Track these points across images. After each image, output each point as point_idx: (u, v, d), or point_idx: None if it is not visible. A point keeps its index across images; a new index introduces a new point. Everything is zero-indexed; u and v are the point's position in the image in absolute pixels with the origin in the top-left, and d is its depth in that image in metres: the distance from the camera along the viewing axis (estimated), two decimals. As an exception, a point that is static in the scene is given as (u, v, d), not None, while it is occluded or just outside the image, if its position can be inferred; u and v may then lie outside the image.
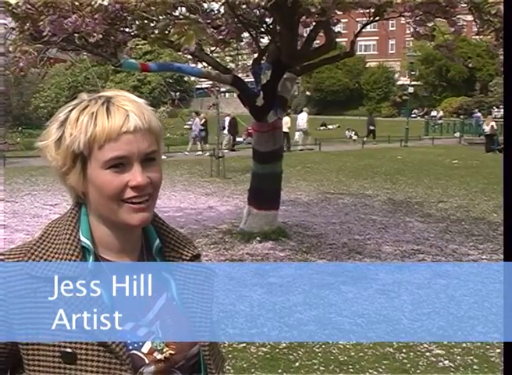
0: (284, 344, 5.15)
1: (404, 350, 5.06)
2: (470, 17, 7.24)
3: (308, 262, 7.66)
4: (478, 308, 6.14)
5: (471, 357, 4.94)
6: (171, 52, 31.26)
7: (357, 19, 8.69)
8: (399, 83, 61.91)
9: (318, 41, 9.41)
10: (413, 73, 42.24)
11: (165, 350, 1.33)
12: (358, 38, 8.65)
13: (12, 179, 15.87)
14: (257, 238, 8.50)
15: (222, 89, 31.71)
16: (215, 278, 1.49)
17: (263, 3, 6.48)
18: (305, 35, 8.78)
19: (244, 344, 5.12)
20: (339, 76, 60.97)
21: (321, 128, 44.77)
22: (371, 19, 7.79)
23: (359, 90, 63.19)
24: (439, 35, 7.68)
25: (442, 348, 5.12)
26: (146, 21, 6.72)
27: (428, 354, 5.00)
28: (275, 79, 8.40)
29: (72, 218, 1.36)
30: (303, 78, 56.74)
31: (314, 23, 8.08)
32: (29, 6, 6.47)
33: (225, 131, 27.27)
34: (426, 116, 52.46)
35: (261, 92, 8.50)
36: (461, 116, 43.85)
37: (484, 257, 8.07)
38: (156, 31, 6.68)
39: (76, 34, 6.55)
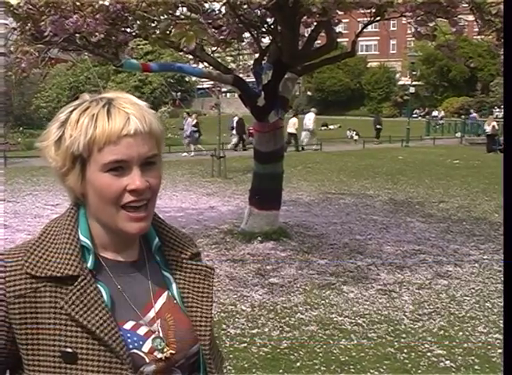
0: (285, 345, 5.15)
1: (405, 350, 5.06)
2: (471, 17, 7.23)
3: (309, 263, 7.66)
4: (480, 309, 6.15)
5: (473, 357, 4.94)
6: (172, 52, 31.31)
7: (358, 19, 8.68)
8: (400, 83, 61.93)
9: (319, 41, 9.39)
10: (414, 73, 42.25)
11: (165, 349, 1.33)
12: (359, 38, 8.65)
13: (13, 179, 15.89)
14: (259, 238, 8.51)
15: (224, 89, 31.72)
16: (214, 276, 1.49)
17: (264, 3, 6.48)
18: (306, 35, 8.77)
19: (245, 345, 5.13)
20: (340, 77, 61.01)
21: (323, 128, 44.75)
22: (373, 19, 7.79)
23: (360, 90, 63.23)
24: (440, 35, 7.67)
25: (443, 348, 5.12)
26: (147, 21, 6.72)
27: (429, 354, 5.00)
28: (277, 79, 8.40)
29: (71, 217, 1.36)
30: (304, 78, 56.70)
31: (315, 23, 8.08)
32: (30, 7, 6.48)
33: (234, 131, 27.36)
34: (427, 116, 52.49)
35: (262, 92, 8.50)
36: (462, 116, 43.79)
37: (485, 257, 8.07)
38: (157, 31, 6.68)
39: (77, 34, 6.55)
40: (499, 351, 4.94)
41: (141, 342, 1.31)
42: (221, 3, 7.38)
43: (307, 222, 10.15)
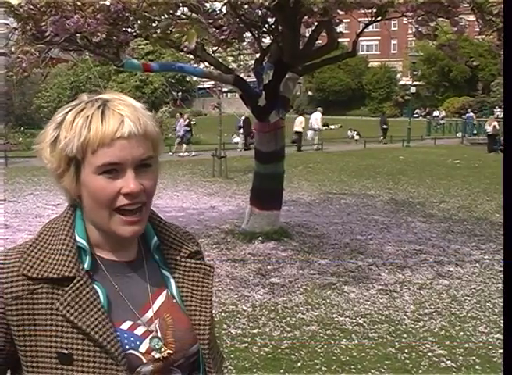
0: (286, 344, 5.15)
1: (406, 350, 5.05)
2: (472, 17, 7.23)
3: (310, 262, 7.66)
4: (481, 309, 6.15)
5: (474, 357, 4.93)
6: (173, 52, 31.31)
7: (359, 19, 8.67)
8: (401, 83, 61.89)
9: (320, 41, 9.39)
10: (415, 72, 42.23)
11: (163, 349, 1.32)
12: (360, 38, 8.64)
13: (14, 179, 15.91)
14: (259, 238, 8.51)
15: (224, 89, 31.71)
16: (214, 275, 1.48)
17: (266, 3, 6.48)
18: (307, 35, 8.77)
19: (246, 344, 5.12)
20: (341, 76, 60.97)
21: (324, 128, 44.72)
22: (373, 19, 7.79)
23: (361, 90, 63.20)
24: (441, 35, 7.67)
25: (444, 348, 5.11)
26: (148, 21, 6.71)
27: (430, 354, 4.99)
28: (277, 79, 8.40)
29: (68, 218, 1.36)
30: (305, 78, 56.72)
31: (316, 23, 8.08)
32: (31, 7, 6.48)
33: (241, 131, 27.42)
34: (428, 116, 52.48)
35: (263, 92, 8.50)
36: (463, 116, 43.78)
37: (486, 257, 8.06)
38: (158, 31, 6.67)
39: (78, 34, 6.55)
40: (500, 351, 4.94)
41: (138, 342, 1.31)
42: (222, 3, 7.38)
43: (308, 222, 10.15)
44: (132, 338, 1.31)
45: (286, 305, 6.16)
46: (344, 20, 8.73)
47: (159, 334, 1.34)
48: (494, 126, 27.94)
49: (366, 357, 4.92)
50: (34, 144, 1.36)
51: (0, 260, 1.30)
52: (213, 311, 1.46)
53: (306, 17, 7.63)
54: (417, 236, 9.27)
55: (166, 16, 6.58)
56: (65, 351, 1.25)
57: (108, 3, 6.43)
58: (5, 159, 20.62)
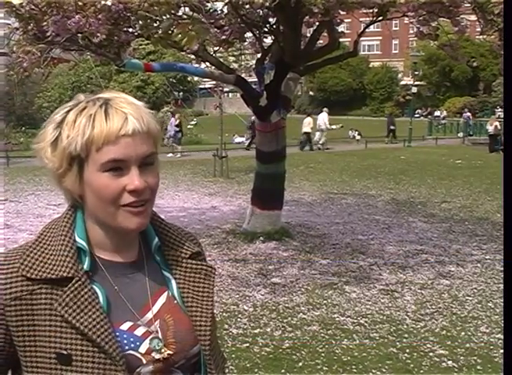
0: (287, 344, 5.15)
1: (408, 350, 5.05)
2: (473, 17, 7.23)
3: (311, 262, 7.66)
4: (482, 309, 6.14)
5: (475, 357, 4.93)
6: (174, 52, 31.36)
7: (361, 19, 8.67)
8: (402, 83, 61.87)
9: (321, 41, 9.39)
10: (416, 72, 42.23)
11: (163, 350, 1.32)
12: (361, 38, 8.65)
13: (15, 179, 15.93)
14: (261, 238, 8.50)
15: (226, 89, 31.72)
16: (215, 275, 1.48)
17: (267, 3, 6.48)
18: (308, 35, 8.78)
19: (247, 344, 5.13)
20: (342, 76, 60.97)
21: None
22: (375, 18, 7.79)
23: (362, 90, 63.20)
24: (443, 35, 7.67)
25: (445, 348, 5.11)
26: (149, 21, 6.71)
27: (431, 354, 4.99)
28: (279, 79, 8.40)
29: (68, 219, 1.36)
30: (306, 78, 56.74)
31: (317, 23, 8.08)
32: (32, 7, 6.48)
33: (251, 131, 27.49)
34: (429, 116, 52.48)
35: (265, 92, 8.50)
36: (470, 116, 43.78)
37: (487, 257, 8.06)
38: (159, 31, 6.68)
39: (79, 34, 6.55)
40: (502, 351, 4.94)
41: (138, 343, 1.31)
42: (223, 3, 7.38)
43: (309, 222, 10.15)
44: (132, 339, 1.30)
45: (287, 305, 6.16)
46: (345, 20, 8.75)
47: (160, 335, 1.34)
48: (495, 126, 27.92)
49: (367, 357, 4.92)
50: (34, 144, 1.35)
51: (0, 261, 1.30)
52: (214, 311, 1.46)
53: (307, 17, 7.63)
54: (419, 236, 9.27)
55: (167, 16, 6.58)
56: (64, 352, 1.25)
57: (109, 3, 6.43)
58: (7, 159, 20.65)
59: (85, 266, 1.32)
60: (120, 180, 1.28)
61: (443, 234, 9.43)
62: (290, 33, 7.76)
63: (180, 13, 6.88)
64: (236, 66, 12.82)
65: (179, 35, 5.87)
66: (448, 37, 7.75)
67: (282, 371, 4.65)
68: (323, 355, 4.96)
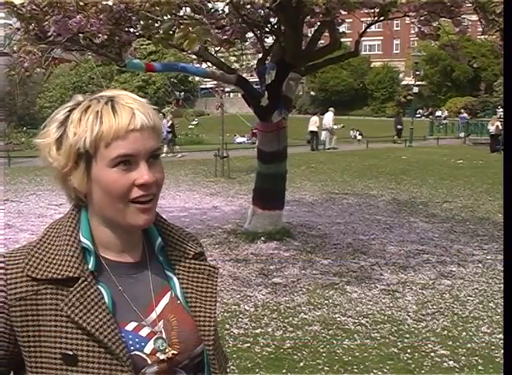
0: (288, 344, 5.15)
1: (409, 350, 5.05)
2: (475, 17, 7.23)
3: (313, 262, 7.66)
4: (483, 309, 6.14)
5: (476, 357, 4.93)
6: (175, 52, 31.37)
7: (362, 19, 8.66)
8: (403, 83, 61.86)
9: (322, 41, 9.39)
10: (417, 72, 42.13)
11: (167, 350, 1.32)
12: (363, 38, 8.64)
13: (17, 179, 15.95)
14: (262, 238, 8.50)
15: (227, 89, 31.76)
16: (218, 276, 1.48)
17: (267, 3, 6.48)
18: (310, 35, 8.77)
19: (249, 344, 5.13)
20: (343, 76, 61.00)
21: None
22: (376, 19, 7.78)
23: (364, 90, 63.23)
24: (444, 35, 7.66)
25: (446, 348, 5.11)
26: (150, 21, 6.71)
27: (432, 354, 4.99)
28: (280, 79, 8.40)
29: (73, 219, 1.36)
30: (307, 78, 56.74)
31: (318, 23, 8.07)
32: (34, 7, 6.48)
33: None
34: (431, 116, 52.46)
35: (266, 92, 8.50)
36: (465, 116, 43.74)
37: (489, 257, 8.06)
38: (161, 31, 6.68)
39: (80, 34, 6.56)
40: (503, 351, 4.93)
41: (143, 343, 1.31)
42: (224, 3, 7.38)
43: (310, 222, 10.15)
44: (137, 339, 1.30)
45: (288, 305, 6.16)
46: (347, 20, 8.76)
47: (164, 335, 1.34)
48: (497, 126, 27.90)
49: (368, 357, 4.92)
50: (35, 144, 1.35)
51: (4, 261, 1.30)
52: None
53: (308, 17, 7.62)
54: (420, 236, 9.27)
55: (169, 16, 6.58)
56: (70, 352, 1.25)
57: (110, 3, 6.44)
58: (8, 159, 20.66)
59: (90, 266, 1.32)
60: (129, 175, 1.28)
61: (444, 234, 9.42)
62: (291, 33, 7.76)
63: (181, 14, 6.87)
64: (237, 66, 12.83)
65: (182, 38, 5.86)
66: (449, 37, 7.74)
67: (284, 371, 4.65)
68: (324, 355, 4.95)
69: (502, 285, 6.75)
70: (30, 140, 28.25)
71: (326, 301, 6.27)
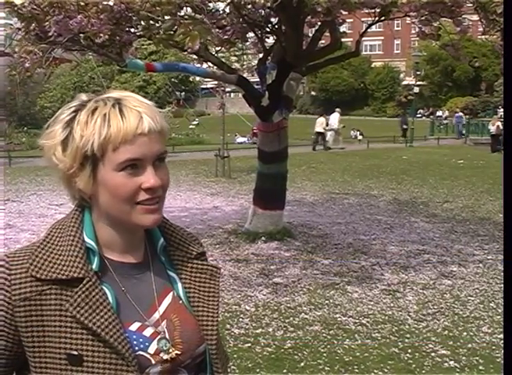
0: (289, 344, 5.15)
1: (409, 350, 5.05)
2: (475, 17, 7.23)
3: (313, 262, 7.65)
4: (484, 309, 6.14)
5: (477, 357, 4.93)
6: (176, 52, 31.35)
7: (363, 19, 8.66)
8: (404, 83, 61.82)
9: (323, 41, 9.40)
10: (418, 72, 42.17)
11: (170, 350, 1.32)
12: (363, 38, 8.64)
13: (17, 179, 15.95)
14: (263, 238, 8.50)
15: (228, 89, 31.75)
16: (220, 276, 1.49)
17: (268, 3, 6.48)
18: (310, 35, 8.77)
19: (249, 344, 5.13)
20: (344, 76, 60.97)
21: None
22: (377, 19, 7.78)
23: (364, 90, 63.19)
24: (445, 35, 7.66)
25: (447, 348, 5.11)
26: (151, 21, 6.72)
27: (433, 354, 4.99)
28: (281, 79, 8.40)
29: (76, 219, 1.36)
30: (308, 78, 56.75)
31: (319, 23, 8.07)
32: (34, 7, 6.48)
33: None
34: (431, 116, 52.42)
35: (266, 92, 8.50)
36: (467, 116, 43.71)
37: (489, 257, 8.06)
38: (161, 31, 6.68)
39: (81, 34, 6.56)
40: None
41: (147, 343, 1.31)
42: (225, 3, 7.38)
43: (311, 222, 10.15)
44: (141, 339, 1.31)
45: (289, 305, 6.15)
46: (347, 20, 8.76)
47: (167, 335, 1.34)
48: (497, 126, 27.89)
49: (369, 357, 4.92)
50: (40, 145, 1.35)
51: (8, 261, 1.30)
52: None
53: (309, 17, 7.63)
54: (421, 236, 9.27)
55: (169, 16, 6.58)
56: (75, 353, 1.25)
57: (111, 3, 6.44)
58: (9, 159, 20.67)
59: (94, 266, 1.32)
60: (136, 179, 1.29)
61: (445, 234, 9.42)
62: (292, 33, 7.76)
63: (182, 13, 6.87)
64: (238, 65, 12.84)
65: (181, 35, 5.86)
66: (450, 37, 7.73)
67: (284, 371, 4.65)
68: (325, 355, 4.95)
69: (502, 285, 6.75)
70: (30, 140, 28.26)
71: (327, 301, 6.27)
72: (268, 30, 8.30)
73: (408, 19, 7.58)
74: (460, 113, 41.71)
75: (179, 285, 1.43)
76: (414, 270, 7.43)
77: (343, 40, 8.61)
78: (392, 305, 6.22)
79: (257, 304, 6.18)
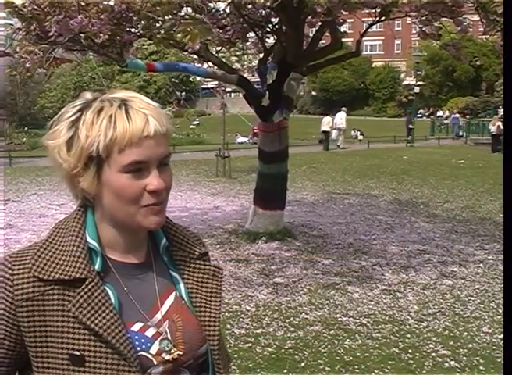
0: (290, 344, 5.15)
1: (410, 350, 5.05)
2: (476, 17, 7.22)
3: (314, 262, 7.65)
4: (484, 309, 6.14)
5: (477, 358, 4.93)
6: (177, 52, 31.36)
7: (363, 19, 8.66)
8: (404, 83, 61.82)
9: (323, 41, 9.39)
10: (419, 72, 42.13)
11: (172, 351, 1.32)
12: (364, 38, 8.63)
13: (18, 179, 15.94)
14: (263, 238, 8.50)
15: (228, 89, 31.77)
16: (223, 276, 1.49)
17: (268, 3, 6.48)
18: (311, 35, 8.77)
19: (250, 344, 5.13)
20: (344, 76, 60.97)
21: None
22: (377, 19, 7.78)
23: (365, 90, 63.20)
24: (445, 35, 7.66)
25: (448, 348, 5.11)
26: (152, 21, 6.72)
27: (433, 354, 4.99)
28: (281, 79, 8.40)
29: (79, 219, 1.35)
30: (308, 78, 56.76)
31: (319, 23, 8.06)
32: (35, 7, 6.49)
33: None
34: (432, 116, 52.41)
35: (267, 92, 8.50)
36: (467, 116, 43.71)
37: (490, 257, 8.06)
38: (162, 31, 6.68)
39: (82, 34, 6.56)
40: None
41: (149, 344, 1.31)
42: (225, 3, 7.39)
43: (311, 222, 10.14)
44: (143, 340, 1.31)
45: (289, 305, 6.15)
46: (348, 20, 8.74)
47: (169, 336, 1.34)
48: (498, 126, 27.88)
49: (370, 357, 4.92)
50: (43, 144, 1.35)
51: (10, 261, 1.30)
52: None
53: (309, 17, 7.62)
54: (421, 236, 9.27)
55: (170, 16, 6.58)
56: (77, 353, 1.25)
57: (111, 3, 6.45)
58: (9, 159, 20.67)
59: (97, 267, 1.32)
60: (141, 181, 1.29)
61: (446, 234, 9.42)
62: (293, 34, 7.76)
63: (183, 13, 6.88)
64: (238, 65, 12.83)
65: (182, 33, 5.86)
66: (450, 37, 7.73)
67: (285, 371, 4.65)
68: (325, 355, 4.95)
69: (503, 285, 6.74)
70: (31, 140, 28.31)
71: (327, 302, 6.27)
72: (268, 30, 8.30)
73: (409, 19, 7.58)
74: (457, 115, 41.71)
75: (182, 285, 1.43)
76: (414, 270, 7.43)
77: (343, 40, 8.61)
78: (392, 305, 6.22)
79: (257, 304, 6.18)
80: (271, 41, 8.97)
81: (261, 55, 8.82)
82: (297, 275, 7.14)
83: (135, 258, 1.39)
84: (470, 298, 6.49)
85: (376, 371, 4.66)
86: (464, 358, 4.92)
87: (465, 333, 5.45)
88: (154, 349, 1.31)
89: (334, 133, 28.64)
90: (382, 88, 62.40)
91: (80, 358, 1.25)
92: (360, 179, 16.58)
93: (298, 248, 8.27)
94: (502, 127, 27.28)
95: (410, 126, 32.91)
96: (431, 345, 5.17)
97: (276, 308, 6.06)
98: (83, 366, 1.25)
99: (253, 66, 10.01)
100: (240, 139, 32.26)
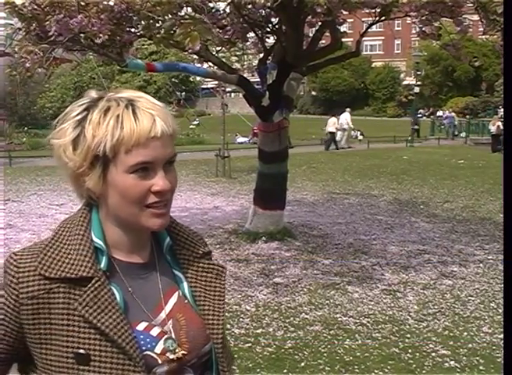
0: (290, 344, 5.15)
1: (410, 350, 5.05)
2: (476, 17, 7.22)
3: (314, 262, 7.65)
4: (484, 309, 6.14)
5: (477, 358, 4.93)
6: (176, 52, 31.39)
7: (363, 19, 8.66)
8: (404, 83, 61.84)
9: (323, 41, 9.39)
10: (419, 72, 42.09)
11: (177, 350, 1.33)
12: (364, 38, 8.63)
13: (18, 179, 15.94)
14: (263, 238, 8.50)
15: (228, 89, 31.78)
16: (226, 275, 1.49)
17: (268, 3, 6.48)
18: (311, 35, 8.77)
19: (250, 344, 5.13)
20: (344, 76, 60.98)
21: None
22: (377, 18, 7.77)
23: (365, 90, 63.20)
24: (445, 35, 7.66)
25: (447, 348, 5.11)
26: (152, 21, 6.72)
27: (433, 354, 4.99)
28: (281, 79, 8.40)
29: (84, 218, 1.36)
30: (308, 78, 56.74)
31: (319, 23, 8.06)
32: (35, 6, 6.49)
33: None
34: (432, 116, 52.40)
35: (267, 92, 8.50)
36: (467, 116, 43.70)
37: (490, 257, 8.06)
38: (162, 31, 6.68)
39: (82, 34, 6.56)
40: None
41: (154, 343, 1.32)
42: (225, 3, 7.38)
43: (311, 222, 10.14)
44: (148, 339, 1.31)
45: (289, 305, 6.15)
46: (348, 20, 8.73)
47: (173, 335, 1.35)
48: (498, 126, 27.88)
49: (369, 357, 4.92)
50: (49, 142, 1.34)
51: (16, 259, 1.31)
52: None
53: (309, 17, 7.62)
54: (421, 236, 9.27)
55: (170, 16, 6.58)
56: (82, 352, 1.26)
57: (111, 3, 6.44)
58: (9, 159, 20.67)
59: (102, 266, 1.32)
60: (147, 182, 1.29)
61: (446, 234, 9.42)
62: (292, 33, 7.76)
63: (183, 13, 6.88)
64: (238, 65, 12.84)
65: (182, 35, 5.86)
66: (450, 37, 7.73)
67: (285, 371, 4.65)
68: (325, 355, 4.95)
69: (503, 285, 6.74)
70: (31, 140, 28.34)
71: (327, 301, 6.27)
72: (268, 30, 8.30)
73: (409, 19, 7.57)
74: (452, 114, 41.64)
75: (185, 284, 1.43)
76: (414, 270, 7.43)
77: (343, 40, 8.61)
78: (392, 305, 6.22)
79: (257, 304, 6.18)
80: (271, 41, 8.97)
81: (261, 55, 8.82)
82: (297, 275, 7.14)
83: (139, 258, 1.39)
84: (470, 298, 6.49)
85: (376, 371, 4.66)
86: (464, 358, 4.92)
87: (465, 333, 5.45)
88: (158, 348, 1.31)
89: (339, 134, 28.67)
90: (382, 88, 62.40)
91: (85, 357, 1.26)
92: (360, 179, 16.58)
93: (298, 248, 8.28)
94: (502, 127, 27.29)
95: (416, 127, 32.92)
96: (431, 345, 5.17)
97: (276, 308, 6.06)
98: (88, 364, 1.26)
99: (253, 66, 10.03)
100: (240, 139, 32.26)
